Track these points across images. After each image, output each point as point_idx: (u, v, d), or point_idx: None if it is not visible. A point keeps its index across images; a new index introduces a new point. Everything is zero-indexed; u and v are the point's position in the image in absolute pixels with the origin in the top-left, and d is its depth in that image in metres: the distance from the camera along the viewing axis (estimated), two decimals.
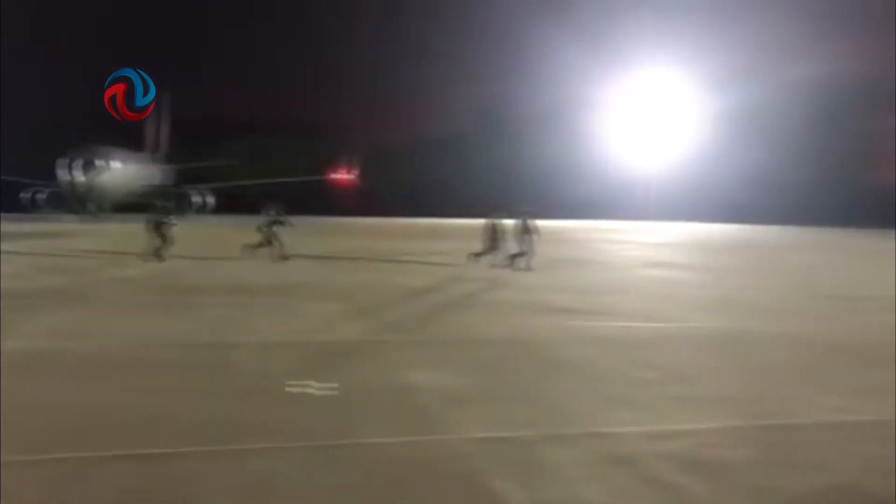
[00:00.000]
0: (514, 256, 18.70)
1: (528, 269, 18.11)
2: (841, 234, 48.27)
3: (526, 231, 18.85)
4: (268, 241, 20.28)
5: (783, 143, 72.18)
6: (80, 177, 50.54)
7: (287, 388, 6.40)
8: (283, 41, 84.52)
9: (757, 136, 72.07)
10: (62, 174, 50.86)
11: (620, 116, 72.30)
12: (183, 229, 24.28)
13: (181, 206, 50.12)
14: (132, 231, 25.67)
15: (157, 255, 19.45)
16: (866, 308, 12.99)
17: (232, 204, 56.64)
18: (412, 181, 73.53)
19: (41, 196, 53.61)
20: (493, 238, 19.17)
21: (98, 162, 51.27)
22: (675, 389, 6.68)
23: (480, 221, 20.14)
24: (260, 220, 20.81)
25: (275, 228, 20.37)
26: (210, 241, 24.08)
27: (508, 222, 19.30)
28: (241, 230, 23.95)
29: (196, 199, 56.65)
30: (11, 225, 37.68)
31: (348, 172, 60.15)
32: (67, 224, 43.70)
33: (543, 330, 9.86)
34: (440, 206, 66.63)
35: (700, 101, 70.14)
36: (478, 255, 19.04)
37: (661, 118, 71.49)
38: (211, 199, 58.43)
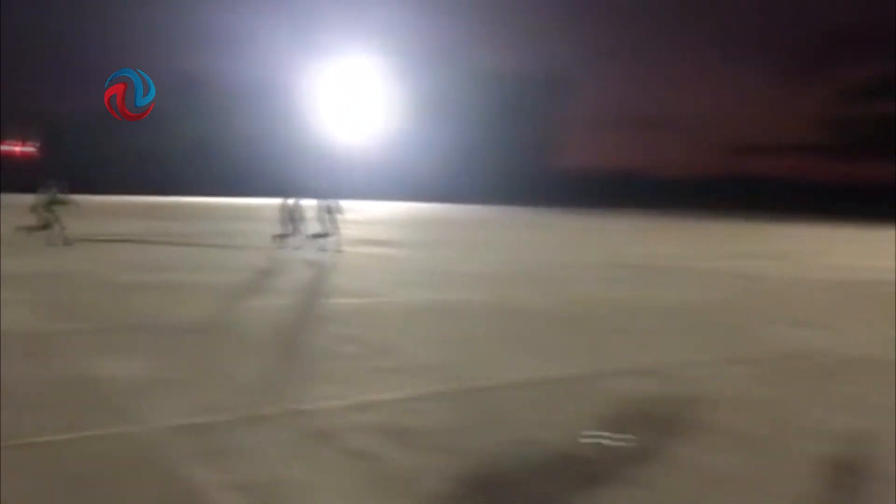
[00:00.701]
0: (314, 237, 18.27)
1: (337, 250, 17.78)
2: (526, 212, 53.12)
3: (329, 212, 18.47)
4: (46, 224, 17.53)
5: (475, 127, 77.86)
6: None
7: None
8: None
9: (452, 121, 76.81)
10: None
11: (326, 100, 72.69)
12: None
13: None
14: None
15: None
16: (555, 278, 14.37)
17: None
18: (104, 155, 67.63)
19: None
20: (292, 219, 18.64)
21: None
22: (378, 362, 6.79)
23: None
24: (36, 199, 17.80)
25: (54, 209, 17.61)
26: None
27: (307, 202, 18.87)
28: None
29: None
30: None
31: (24, 145, 53.53)
32: None
33: (253, 311, 9.54)
34: (138, 181, 62.21)
35: (402, 87, 73.02)
36: (280, 236, 18.47)
37: (364, 103, 73.09)
38: None
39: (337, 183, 19.55)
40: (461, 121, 76.71)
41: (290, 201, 18.95)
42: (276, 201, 19.68)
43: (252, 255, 17.04)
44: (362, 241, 22.24)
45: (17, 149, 52.92)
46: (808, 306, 11.62)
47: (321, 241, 18.23)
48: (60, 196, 18.20)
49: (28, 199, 18.82)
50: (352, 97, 72.06)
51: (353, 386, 5.94)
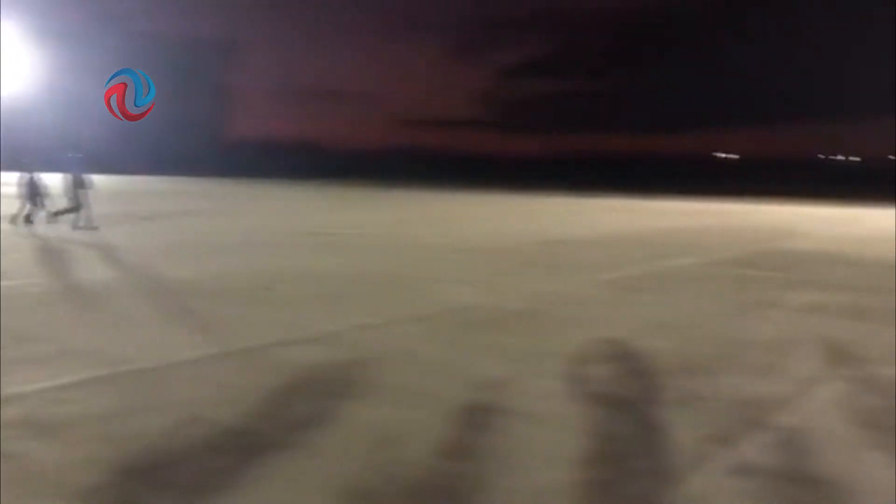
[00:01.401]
0: (61, 213, 16.97)
1: (90, 227, 16.50)
2: (201, 184, 51.06)
3: (80, 186, 16.91)
4: None
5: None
6: None
7: None
8: None
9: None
10: None
11: None
12: None
13: None
14: None
15: None
16: (227, 249, 13.94)
17: None
18: None
19: None
20: (35, 194, 17.05)
21: None
22: (20, 350, 6.05)
23: None
24: None
25: None
26: None
27: (51, 176, 17.21)
28: None
29: None
30: None
31: None
32: None
33: None
34: None
35: (61, 51, 65.61)
36: (22, 215, 16.73)
37: (12, 69, 64.39)
38: None
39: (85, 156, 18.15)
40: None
41: (31, 175, 17.23)
42: None
43: None
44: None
45: None
46: (471, 267, 12.59)
47: (67, 218, 16.88)
48: None
49: None
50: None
51: None
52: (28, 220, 17.09)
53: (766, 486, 3.82)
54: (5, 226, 16.83)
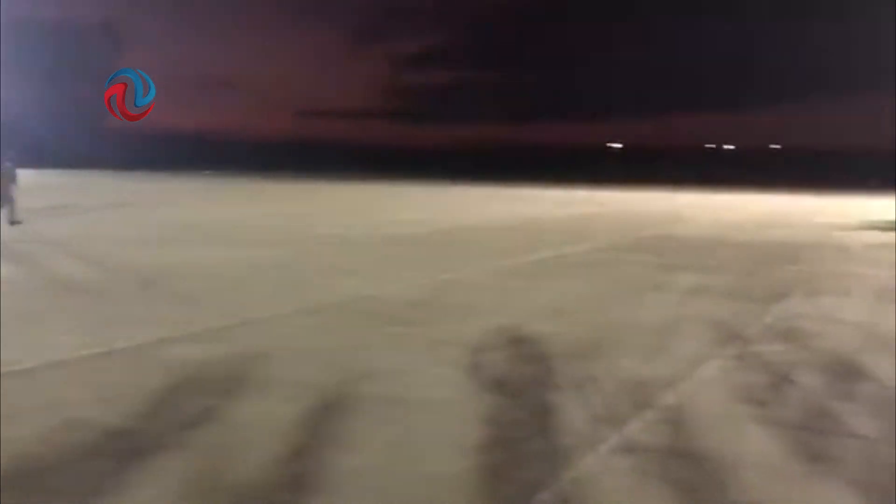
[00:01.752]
0: None
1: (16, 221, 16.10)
2: (89, 177, 48.75)
3: (10, 180, 16.74)
4: None
5: (22, 84, 68.47)
6: None
7: None
8: None
9: None
10: None
11: None
12: None
13: None
14: None
15: None
16: (114, 243, 13.31)
17: None
18: None
19: None
20: None
21: None
22: None
23: None
24: None
25: None
26: None
27: None
28: None
29: None
30: None
31: None
32: None
33: None
34: None
35: None
36: None
37: None
38: None
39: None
40: (8, 77, 66.65)
41: None
42: None
43: None
44: None
45: None
46: (366, 257, 12.46)
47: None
48: None
49: None
50: None
51: None
52: None
53: (654, 463, 3.90)
54: None
